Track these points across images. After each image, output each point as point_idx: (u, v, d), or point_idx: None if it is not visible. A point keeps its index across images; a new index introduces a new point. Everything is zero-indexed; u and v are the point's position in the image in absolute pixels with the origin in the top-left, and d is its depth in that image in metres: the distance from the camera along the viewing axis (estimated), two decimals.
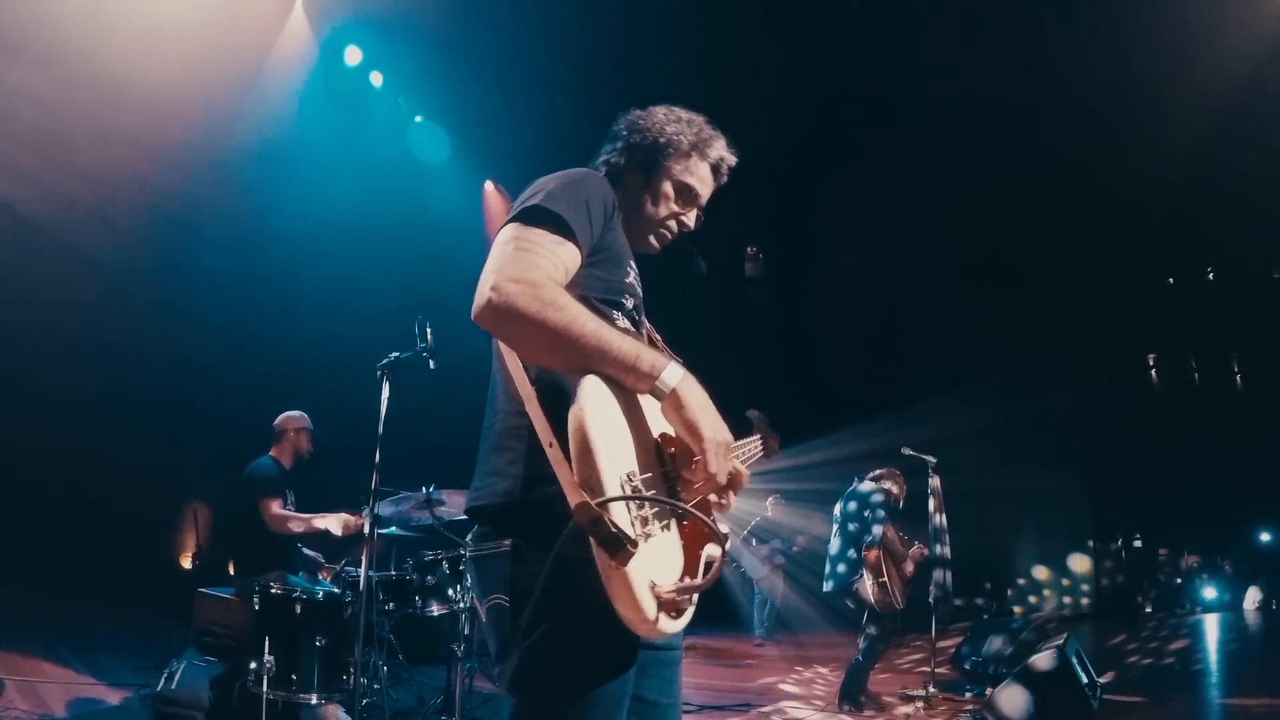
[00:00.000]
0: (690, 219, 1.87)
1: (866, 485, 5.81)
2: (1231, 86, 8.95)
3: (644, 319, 1.76)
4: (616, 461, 1.34)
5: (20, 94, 6.06)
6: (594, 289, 1.59)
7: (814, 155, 11.70)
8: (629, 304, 1.67)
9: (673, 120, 1.83)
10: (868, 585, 5.45)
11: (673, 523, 1.44)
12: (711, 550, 1.50)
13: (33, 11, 6.01)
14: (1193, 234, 12.50)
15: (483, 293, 1.41)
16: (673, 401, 1.42)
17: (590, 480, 1.29)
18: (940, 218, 12.52)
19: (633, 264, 1.74)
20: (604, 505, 1.26)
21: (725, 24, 9.25)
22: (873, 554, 5.53)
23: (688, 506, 1.41)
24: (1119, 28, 8.93)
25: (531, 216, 1.52)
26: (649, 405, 1.48)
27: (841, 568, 5.63)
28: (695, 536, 1.47)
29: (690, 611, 1.40)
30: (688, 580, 1.40)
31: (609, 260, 1.64)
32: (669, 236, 1.87)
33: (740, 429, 1.92)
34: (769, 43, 9.63)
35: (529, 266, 1.43)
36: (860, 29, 9.93)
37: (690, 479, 1.46)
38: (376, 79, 8.54)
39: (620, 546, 1.24)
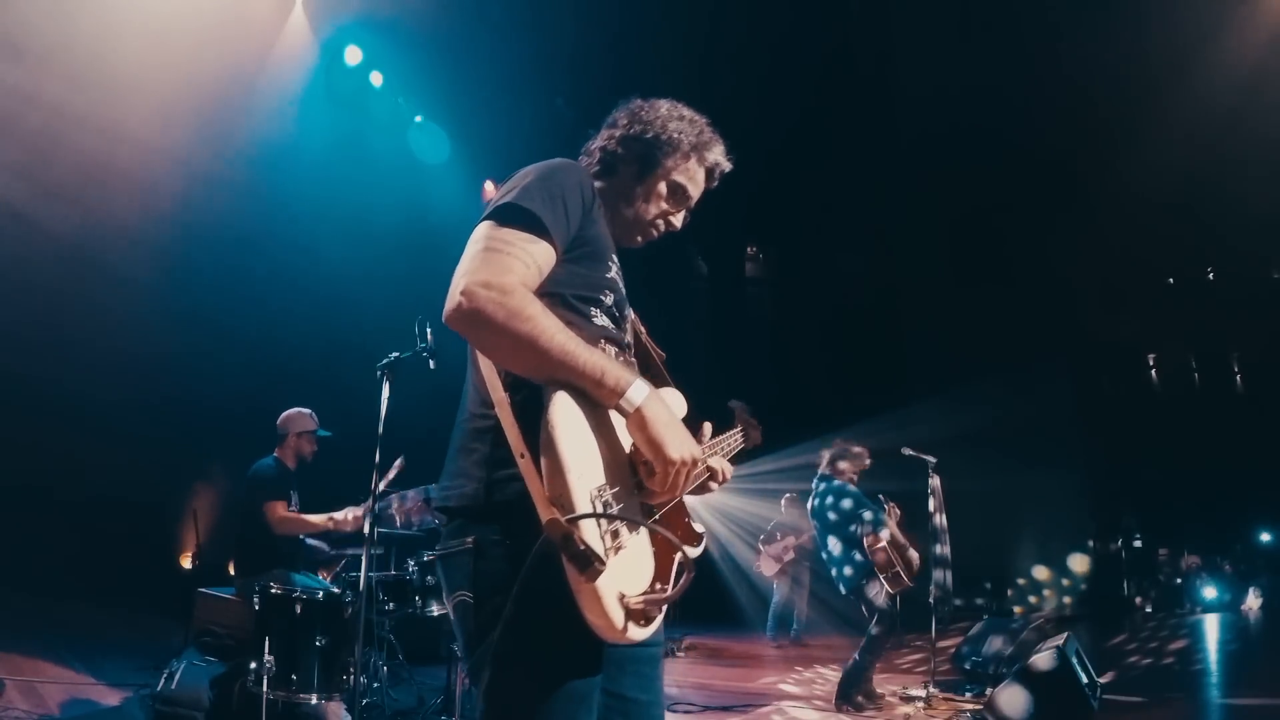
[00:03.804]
0: (678, 220, 1.84)
1: (839, 479, 5.74)
2: (1232, 86, 8.95)
3: (627, 313, 1.73)
4: (587, 477, 1.35)
5: (22, 94, 6.06)
6: (572, 285, 1.57)
7: (814, 155, 11.70)
8: (609, 300, 1.64)
9: (675, 117, 1.79)
10: (877, 586, 5.41)
11: (638, 529, 1.44)
12: (693, 550, 1.52)
13: (35, 13, 6.01)
14: (1193, 234, 12.50)
15: (453, 296, 1.41)
16: (636, 420, 1.42)
17: (561, 498, 1.30)
18: (940, 217, 12.53)
19: (615, 257, 1.71)
20: (574, 522, 1.28)
21: (724, 24, 9.25)
22: (882, 538, 5.40)
23: (652, 525, 1.44)
24: (1119, 26, 8.94)
25: (504, 215, 1.50)
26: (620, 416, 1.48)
27: (848, 570, 5.54)
28: (668, 541, 1.48)
29: (660, 617, 1.41)
30: (657, 588, 1.42)
31: (589, 255, 1.61)
32: (655, 235, 1.84)
33: (724, 419, 1.92)
34: (768, 43, 9.64)
35: (500, 269, 1.42)
36: (858, 28, 9.94)
37: (652, 492, 1.47)
38: (376, 79, 8.54)
39: (589, 564, 1.26)
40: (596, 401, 1.43)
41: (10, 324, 6.12)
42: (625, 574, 1.36)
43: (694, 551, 1.56)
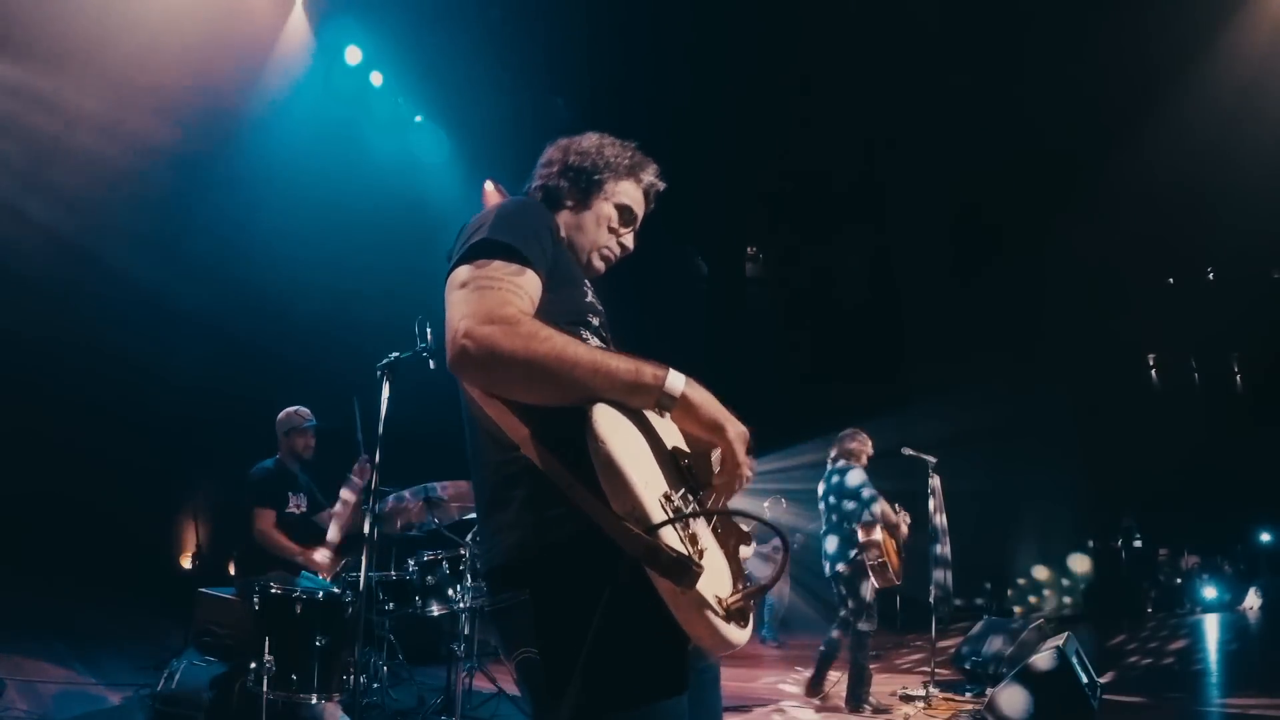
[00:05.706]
0: (629, 240, 1.85)
1: (853, 478, 5.71)
2: (1232, 85, 8.95)
3: (609, 335, 1.69)
4: (653, 486, 1.28)
5: (22, 94, 6.07)
6: (557, 314, 1.50)
7: (813, 155, 11.70)
8: (595, 322, 1.61)
9: (608, 144, 1.82)
10: (869, 584, 5.44)
11: (705, 529, 1.39)
12: (744, 550, 1.48)
13: (35, 12, 6.02)
14: (1193, 234, 12.49)
15: (455, 342, 1.32)
16: (684, 405, 1.38)
17: (634, 512, 1.23)
18: (940, 217, 12.53)
19: (587, 283, 1.69)
20: (654, 533, 1.21)
21: (724, 25, 9.25)
22: (875, 531, 5.47)
23: (748, 511, 1.40)
24: (1120, 27, 8.94)
25: (481, 252, 1.44)
26: (653, 420, 1.42)
27: (841, 567, 5.58)
28: (725, 538, 1.44)
29: (752, 615, 1.35)
30: (742, 585, 1.36)
31: (565, 281, 1.58)
32: (612, 259, 1.83)
33: None
34: (768, 43, 9.63)
35: (497, 303, 1.35)
36: (859, 27, 9.93)
37: (718, 480, 1.43)
38: (376, 79, 8.55)
39: (686, 570, 1.19)
40: (631, 406, 1.36)
41: (10, 324, 6.13)
42: (714, 576, 1.29)
43: (746, 550, 1.52)
